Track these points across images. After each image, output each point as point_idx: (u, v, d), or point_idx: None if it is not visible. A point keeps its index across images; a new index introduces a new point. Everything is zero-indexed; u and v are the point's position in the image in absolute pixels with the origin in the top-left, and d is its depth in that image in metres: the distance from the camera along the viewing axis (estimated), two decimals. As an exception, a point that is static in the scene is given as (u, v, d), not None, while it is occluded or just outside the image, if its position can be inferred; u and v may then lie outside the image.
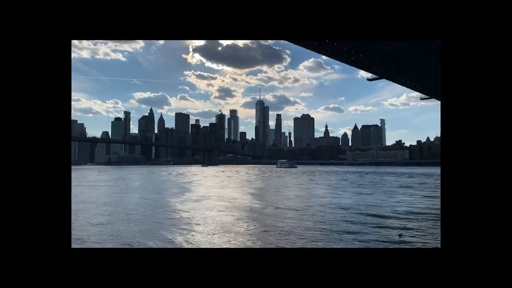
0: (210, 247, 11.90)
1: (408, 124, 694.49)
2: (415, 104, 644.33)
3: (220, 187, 45.30)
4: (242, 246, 12.17)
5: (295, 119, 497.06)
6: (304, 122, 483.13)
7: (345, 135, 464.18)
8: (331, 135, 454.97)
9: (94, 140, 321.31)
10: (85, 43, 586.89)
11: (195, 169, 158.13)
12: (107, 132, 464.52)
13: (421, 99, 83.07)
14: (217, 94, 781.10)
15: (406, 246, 12.13)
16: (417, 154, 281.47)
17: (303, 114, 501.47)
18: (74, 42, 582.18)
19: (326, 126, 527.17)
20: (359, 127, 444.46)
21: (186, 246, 12.07)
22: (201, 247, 11.85)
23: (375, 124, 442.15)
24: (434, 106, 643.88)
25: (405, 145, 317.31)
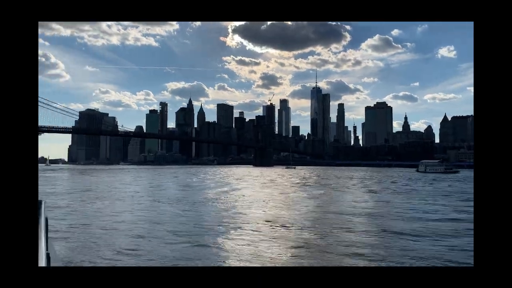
0: (191, 266, 12.01)
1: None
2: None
3: None
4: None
5: (367, 108, 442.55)
6: (379, 113, 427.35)
7: (429, 128, 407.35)
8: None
9: (127, 134, 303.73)
10: (114, 28, 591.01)
11: (254, 172, 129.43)
12: (141, 126, 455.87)
13: None
14: (259, 82, 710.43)
15: (435, 265, 12.41)
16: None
17: (377, 102, 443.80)
18: (103, 27, 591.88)
19: (406, 118, 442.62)
20: (449, 118, 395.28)
21: (167, 265, 12.31)
22: (181, 266, 12.00)
23: (470, 114, 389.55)
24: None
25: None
